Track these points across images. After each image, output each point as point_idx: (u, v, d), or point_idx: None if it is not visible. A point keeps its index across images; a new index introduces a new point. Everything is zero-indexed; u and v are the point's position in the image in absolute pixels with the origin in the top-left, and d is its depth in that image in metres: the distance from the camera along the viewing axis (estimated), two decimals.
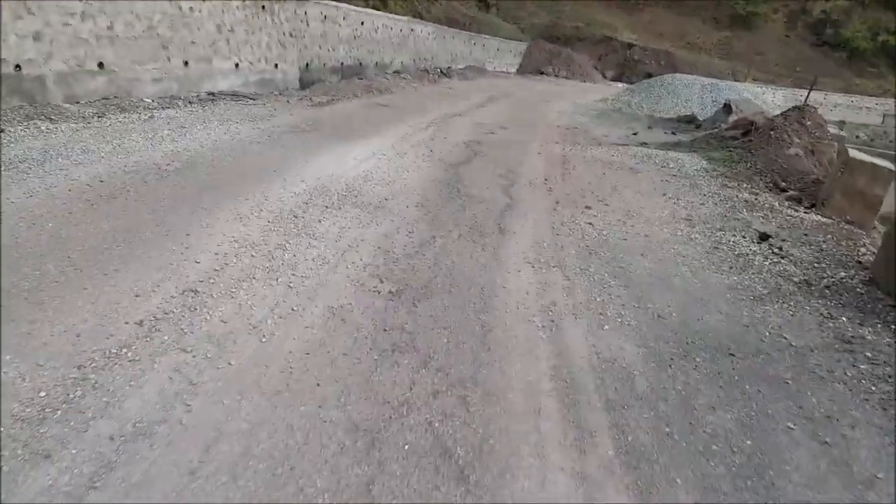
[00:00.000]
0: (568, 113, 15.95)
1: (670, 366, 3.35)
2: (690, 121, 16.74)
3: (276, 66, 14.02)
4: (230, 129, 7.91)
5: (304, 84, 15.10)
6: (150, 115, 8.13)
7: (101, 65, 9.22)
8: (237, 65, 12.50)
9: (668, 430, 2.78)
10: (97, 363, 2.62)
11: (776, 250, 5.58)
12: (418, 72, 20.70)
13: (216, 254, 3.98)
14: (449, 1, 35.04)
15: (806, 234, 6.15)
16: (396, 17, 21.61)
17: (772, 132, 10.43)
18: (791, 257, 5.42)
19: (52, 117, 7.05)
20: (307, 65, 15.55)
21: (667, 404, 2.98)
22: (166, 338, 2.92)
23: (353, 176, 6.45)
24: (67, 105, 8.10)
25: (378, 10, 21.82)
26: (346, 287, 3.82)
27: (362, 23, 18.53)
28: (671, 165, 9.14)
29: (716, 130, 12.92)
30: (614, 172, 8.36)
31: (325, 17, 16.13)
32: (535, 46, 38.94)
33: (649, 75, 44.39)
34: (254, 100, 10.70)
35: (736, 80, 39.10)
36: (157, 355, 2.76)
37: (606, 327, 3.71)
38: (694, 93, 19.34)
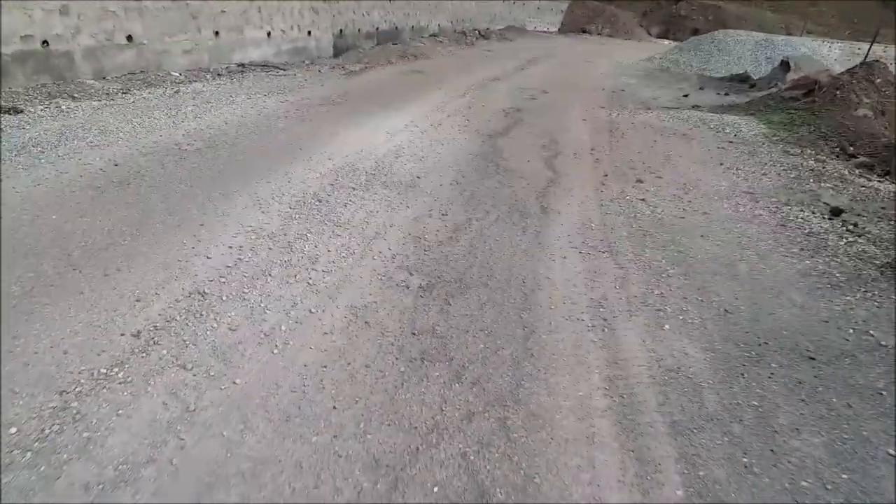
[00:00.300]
0: (613, 74, 15.10)
1: (743, 375, 2.89)
2: (744, 80, 15.69)
3: (308, 33, 13.59)
4: (257, 104, 7.56)
5: (339, 51, 14.66)
6: (175, 89, 7.84)
7: (129, 38, 8.97)
8: (269, 33, 12.13)
9: (746, 460, 2.34)
10: (82, 387, 2.31)
11: (851, 227, 4.97)
12: (456, 34, 19.95)
13: (230, 247, 3.65)
14: None
15: (883, 208, 5.49)
16: None
17: (837, 92, 9.55)
18: (869, 235, 4.81)
19: (75, 95, 6.82)
20: (341, 31, 15.08)
21: (742, 426, 2.53)
22: (165, 352, 2.60)
23: (384, 152, 6.04)
24: (92, 81, 7.88)
25: None
26: (371, 282, 3.44)
27: None
28: (727, 130, 8.42)
29: (774, 91, 11.97)
30: (666, 139, 7.72)
31: None
32: (577, 4, 37.38)
33: (696, 31, 42.29)
34: (284, 70, 10.32)
35: (790, 35, 36.92)
36: (152, 375, 2.44)
37: (667, 327, 3.25)
38: (747, 49, 18.10)
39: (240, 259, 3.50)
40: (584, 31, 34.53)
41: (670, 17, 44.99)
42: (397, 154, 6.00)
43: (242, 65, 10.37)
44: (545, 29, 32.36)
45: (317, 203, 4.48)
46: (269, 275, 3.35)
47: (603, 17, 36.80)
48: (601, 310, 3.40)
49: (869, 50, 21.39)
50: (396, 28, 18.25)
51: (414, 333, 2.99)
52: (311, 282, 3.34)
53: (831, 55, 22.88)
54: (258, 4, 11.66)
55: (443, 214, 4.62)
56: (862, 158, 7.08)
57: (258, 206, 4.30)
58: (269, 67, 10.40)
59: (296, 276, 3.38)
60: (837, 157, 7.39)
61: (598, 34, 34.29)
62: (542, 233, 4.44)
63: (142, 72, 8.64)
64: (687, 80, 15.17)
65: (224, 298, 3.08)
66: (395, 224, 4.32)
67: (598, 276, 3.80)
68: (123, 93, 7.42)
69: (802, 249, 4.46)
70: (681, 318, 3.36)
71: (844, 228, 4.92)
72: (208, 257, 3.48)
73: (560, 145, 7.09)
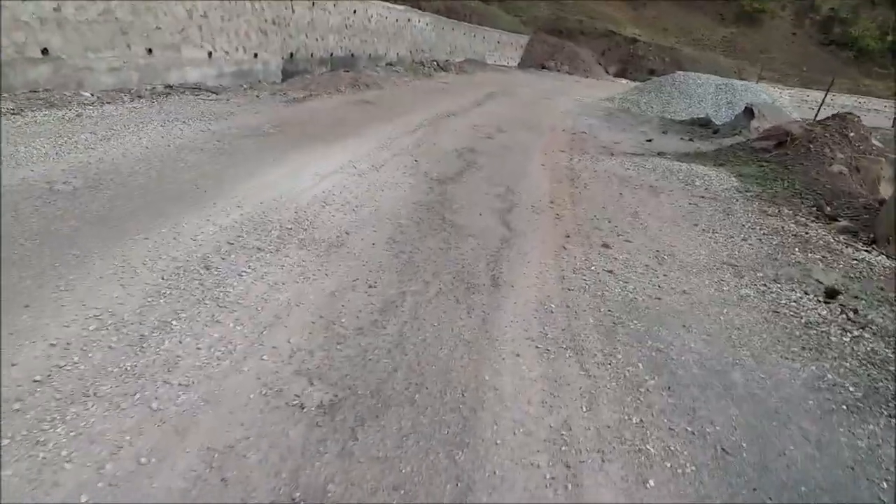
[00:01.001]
0: (573, 113, 14.56)
1: None
2: (705, 124, 15.42)
3: (255, 55, 12.64)
4: (171, 132, 6.52)
5: (288, 75, 13.76)
6: (78, 112, 6.75)
7: (45, 51, 7.85)
8: (210, 54, 11.11)
9: None
10: None
11: (851, 315, 4.26)
12: (413, 64, 19.28)
13: (53, 345, 2.61)
14: None
15: (881, 288, 4.82)
16: (392, 5, 20.15)
17: (810, 145, 9.09)
18: (874, 327, 4.09)
19: None
20: (292, 55, 14.17)
21: None
22: None
23: (310, 199, 5.08)
24: None
25: None
26: (249, 402, 2.46)
27: (354, 11, 17.12)
28: (697, 183, 7.79)
29: (741, 140, 11.56)
30: (632, 192, 7.01)
31: (314, 3, 14.72)
32: (537, 40, 37.55)
33: (653, 72, 43.14)
34: (217, 94, 9.31)
35: (742, 79, 37.75)
36: None
37: (651, 483, 2.36)
38: (708, 93, 17.97)
39: (58, 367, 2.46)
40: (543, 67, 34.58)
41: (628, 56, 45.81)
42: (325, 202, 5.05)
43: (170, 86, 9.31)
44: (505, 63, 32.18)
45: (202, 271, 3.47)
46: (93, 396, 2.33)
47: (562, 54, 37.04)
48: (563, 448, 2.50)
49: (824, 98, 21.66)
50: (352, 55, 17.46)
51: (293, 501, 2.02)
52: (155, 406, 2.33)
53: (782, 101, 23.08)
54: (199, 22, 10.66)
55: (370, 286, 3.68)
56: (844, 222, 6.48)
57: (119, 275, 3.27)
58: (201, 91, 9.37)
59: (134, 395, 2.37)
60: (817, 218, 6.80)
61: (558, 70, 34.37)
62: (490, 316, 3.55)
63: (46, 90, 7.50)
64: (648, 122, 14.78)
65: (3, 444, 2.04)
66: (305, 302, 3.36)
67: (560, 389, 2.91)
68: (13, 113, 6.30)
69: (804, 348, 3.69)
70: (668, 464, 2.48)
71: (845, 317, 4.18)
72: (13, 364, 2.43)
73: (517, 195, 6.27)
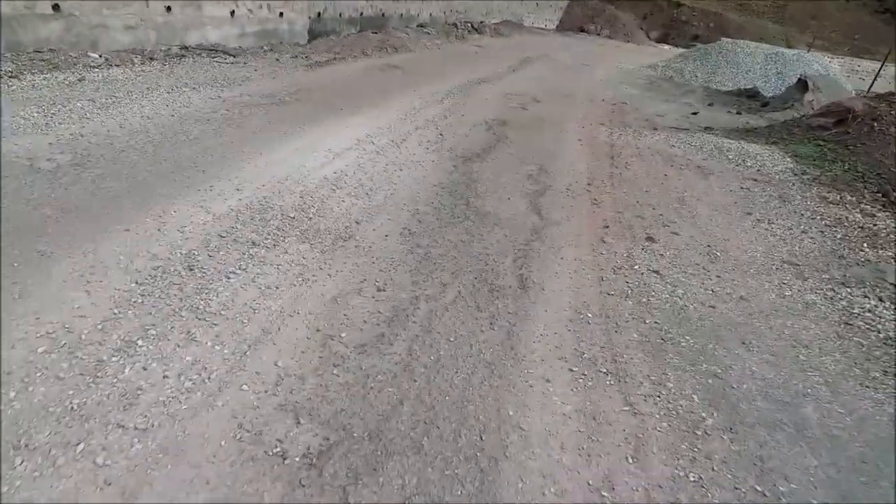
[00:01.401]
0: (613, 81, 13.70)
1: None
2: (753, 95, 14.42)
3: (280, 14, 12.02)
4: (178, 100, 6.05)
5: (315, 35, 13.16)
6: (81, 76, 6.31)
7: (56, 7, 7.41)
8: (233, 12, 10.56)
9: None
10: None
11: None
12: (446, 26, 18.43)
13: None
14: None
15: None
16: None
17: (874, 123, 8.23)
18: None
19: None
20: (319, 14, 13.52)
21: None
22: None
23: (319, 180, 4.58)
24: None
25: None
26: (218, 453, 2.01)
27: None
28: (749, 163, 7.07)
29: (795, 115, 10.66)
30: (678, 173, 6.35)
31: None
32: (577, 2, 36.02)
33: (696, 37, 41.32)
34: (235, 57, 8.80)
35: (790, 47, 35.82)
36: None
37: None
38: (756, 62, 16.81)
39: None
40: (582, 31, 33.27)
41: (671, 21, 43.94)
42: (336, 184, 4.54)
43: (186, 48, 8.83)
44: (543, 26, 30.95)
45: (183, 273, 3.01)
46: (23, 448, 1.89)
47: (603, 18, 35.61)
48: None
49: (880, 69, 20.28)
50: (383, 15, 16.72)
51: None
52: (101, 461, 1.89)
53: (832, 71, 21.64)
54: None
55: (378, 290, 3.20)
56: None
57: (86, 279, 2.83)
58: (219, 53, 8.86)
59: (77, 445, 1.93)
60: (884, 206, 6.08)
61: (597, 34, 33.03)
62: (516, 328, 3.04)
63: (51, 51, 7.07)
64: (693, 92, 13.85)
65: None
66: (301, 311, 2.88)
67: (599, 430, 2.41)
68: (11, 76, 5.89)
69: (885, 373, 3.10)
70: None
71: None
72: None
73: (550, 176, 5.68)
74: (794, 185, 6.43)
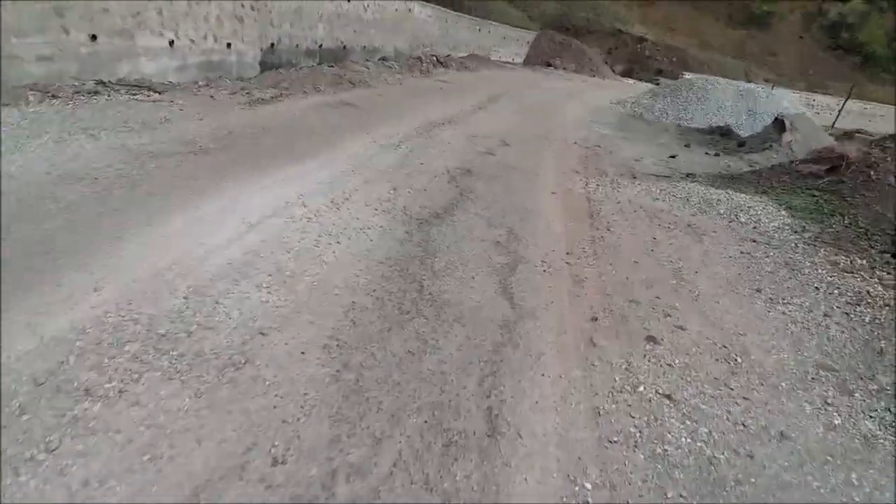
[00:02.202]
0: (584, 120, 12.98)
1: None
2: (725, 133, 13.92)
3: (228, 45, 11.00)
4: (66, 151, 4.93)
5: (268, 68, 12.22)
6: None
7: None
8: (172, 42, 9.49)
9: None
10: None
11: None
12: (410, 60, 17.64)
13: None
14: None
15: None
16: None
17: (870, 171, 7.53)
18: None
19: None
20: (272, 45, 12.55)
21: None
22: None
23: (219, 267, 3.48)
24: None
25: None
26: None
27: None
28: (742, 219, 6.24)
29: (775, 157, 10.03)
30: (668, 235, 5.45)
31: None
32: (544, 37, 35.94)
33: (660, 72, 41.77)
34: (160, 93, 7.70)
35: (748, 81, 36.21)
36: None
37: None
38: (727, 100, 16.37)
39: None
40: (549, 65, 33.08)
41: (635, 55, 44.48)
42: (242, 272, 3.45)
43: (103, 83, 7.70)
44: (510, 59, 30.62)
45: None
46: None
47: (569, 52, 35.60)
48: None
49: (842, 106, 20.16)
50: (344, 47, 15.86)
51: None
52: None
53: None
54: (159, 5, 9.04)
55: (274, 462, 2.13)
56: None
57: None
58: (141, 89, 7.76)
59: None
60: None
61: (564, 69, 32.84)
62: None
63: None
64: (666, 131, 13.23)
65: None
66: None
67: None
68: None
69: None
70: None
71: None
72: None
73: (522, 242, 4.72)
74: (797, 246, 5.59)
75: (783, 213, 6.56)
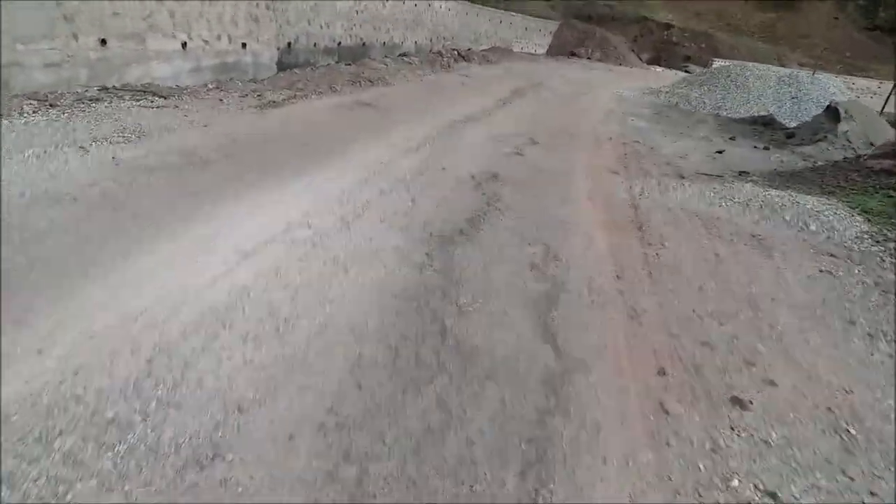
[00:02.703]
0: (617, 113, 12.15)
1: None
2: (768, 123, 12.96)
3: (243, 45, 10.42)
4: (47, 167, 4.37)
5: (286, 67, 11.66)
6: None
7: None
8: (185, 44, 8.95)
9: None
10: None
11: None
12: (430, 55, 16.93)
13: None
14: None
15: None
16: None
17: None
18: None
19: None
20: (290, 44, 11.94)
21: None
22: None
23: (197, 314, 2.83)
24: None
25: None
26: None
27: None
28: (812, 227, 5.44)
29: (832, 150, 9.12)
30: (732, 251, 4.70)
31: None
32: (566, 26, 34.98)
33: (688, 58, 40.47)
34: (165, 98, 7.14)
35: (781, 65, 34.74)
36: None
37: None
38: (768, 87, 15.35)
39: None
40: (573, 55, 32.14)
41: (661, 42, 43.20)
42: (225, 320, 2.81)
43: (106, 88, 7.17)
44: (532, 50, 29.70)
45: None
46: None
47: (593, 41, 34.60)
48: None
49: (892, 91, 18.88)
50: (364, 44, 15.20)
51: None
52: None
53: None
54: (171, 7, 8.49)
55: None
56: None
57: None
58: (146, 94, 7.20)
59: None
60: None
61: (588, 58, 31.88)
62: None
63: None
64: (704, 122, 12.33)
65: None
66: None
67: None
68: None
69: None
70: None
71: None
72: None
73: (562, 264, 4.02)
74: (883, 261, 4.78)
75: (858, 218, 5.73)
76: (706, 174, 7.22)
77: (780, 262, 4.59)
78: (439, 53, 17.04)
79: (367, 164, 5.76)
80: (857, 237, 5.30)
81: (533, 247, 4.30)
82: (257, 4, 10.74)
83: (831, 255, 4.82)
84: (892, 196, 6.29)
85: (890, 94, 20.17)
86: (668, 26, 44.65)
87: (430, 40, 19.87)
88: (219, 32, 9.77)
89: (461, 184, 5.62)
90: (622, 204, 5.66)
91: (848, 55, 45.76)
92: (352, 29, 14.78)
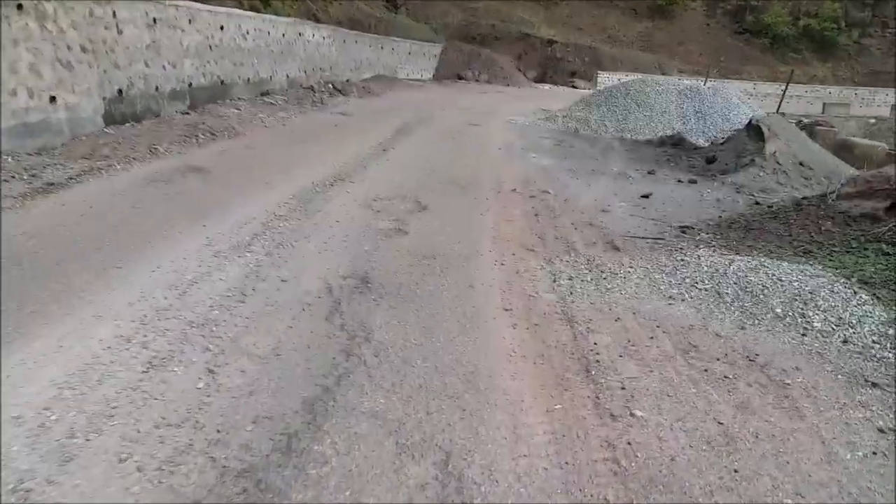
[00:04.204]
0: (515, 146, 10.50)
1: None
2: (677, 143, 11.86)
3: (52, 99, 7.77)
4: None
5: (115, 121, 9.11)
6: None
7: None
8: None
9: None
10: None
11: None
12: (301, 90, 14.75)
13: None
14: (351, 1, 29.02)
15: None
16: (277, 18, 15.59)
17: None
18: None
19: None
20: (120, 91, 9.35)
21: None
22: None
23: None
24: None
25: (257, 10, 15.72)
26: None
27: (221, 27, 12.48)
28: (816, 323, 3.88)
29: (777, 180, 7.81)
30: (735, 403, 2.95)
31: (155, 20, 10.04)
32: (451, 48, 33.97)
33: (574, 74, 40.59)
34: None
35: (662, 73, 35.30)
36: None
37: None
38: (670, 101, 14.35)
39: None
40: (460, 78, 31.04)
41: (546, 59, 43.12)
42: None
43: None
44: (419, 76, 28.15)
45: None
46: None
47: (479, 62, 33.84)
48: None
49: (783, 95, 18.61)
50: (222, 82, 12.81)
51: None
52: None
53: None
54: None
55: None
56: None
57: None
58: None
59: None
60: None
61: (476, 80, 30.88)
62: None
63: None
64: (611, 148, 10.97)
65: None
66: None
67: None
68: None
69: None
70: None
71: None
72: None
73: (473, 494, 2.00)
74: None
75: (862, 295, 4.14)
76: (642, 237, 5.52)
77: (813, 416, 2.85)
78: (311, 88, 14.91)
79: (152, 290, 3.57)
80: (877, 333, 3.67)
81: (421, 460, 2.30)
82: (68, 46, 8.24)
83: (871, 385, 3.14)
84: (886, 253, 4.78)
85: (782, 96, 20.09)
86: (552, 42, 44.74)
87: (305, 72, 17.69)
88: (14, 85, 7.21)
89: (307, 310, 3.57)
90: (551, 316, 3.79)
91: (722, 59, 47.64)
92: (205, 66, 12.40)
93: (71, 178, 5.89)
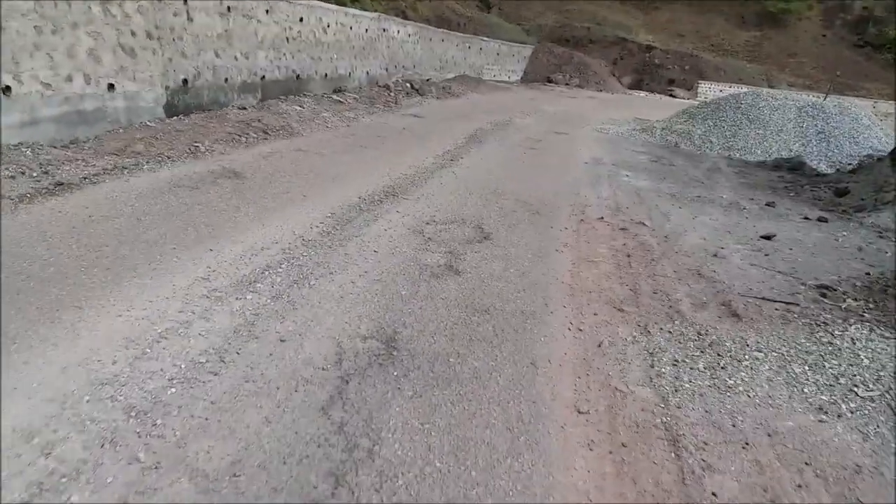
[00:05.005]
0: (605, 162, 9.14)
1: None
2: (796, 168, 10.13)
3: (110, 86, 7.23)
4: None
5: (182, 111, 8.66)
6: None
7: None
8: (7, 89, 5.81)
9: None
10: None
11: None
12: (375, 89, 13.92)
13: None
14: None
15: None
16: (360, 12, 14.90)
17: None
18: None
19: None
20: (185, 81, 8.80)
21: None
22: None
23: None
24: None
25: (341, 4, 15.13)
26: None
27: (301, 18, 11.90)
28: None
29: None
30: None
31: (230, 8, 9.49)
32: (542, 50, 32.56)
33: (672, 81, 38.30)
34: None
35: (770, 86, 32.50)
36: None
37: None
38: (788, 119, 12.49)
39: None
40: (549, 81, 29.65)
41: (643, 65, 41.08)
42: None
43: None
44: (506, 78, 26.97)
45: None
46: None
47: (571, 65, 32.25)
48: None
49: None
50: (298, 76, 12.19)
51: None
52: None
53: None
54: None
55: None
56: None
57: None
58: None
59: None
60: None
61: (566, 84, 29.38)
62: None
63: None
64: (718, 170, 9.41)
65: None
66: None
67: None
68: None
69: None
70: None
71: None
72: None
73: None
74: None
75: None
76: (769, 299, 4.13)
77: None
78: (386, 87, 14.02)
79: (101, 350, 2.63)
80: None
81: None
82: (133, 32, 7.67)
83: None
84: None
85: None
86: (650, 48, 42.64)
87: (386, 69, 16.94)
88: (69, 71, 6.67)
89: (300, 391, 2.56)
90: (647, 431, 2.56)
91: (838, 73, 43.75)
92: (281, 59, 11.79)
93: (86, 178, 5.14)
